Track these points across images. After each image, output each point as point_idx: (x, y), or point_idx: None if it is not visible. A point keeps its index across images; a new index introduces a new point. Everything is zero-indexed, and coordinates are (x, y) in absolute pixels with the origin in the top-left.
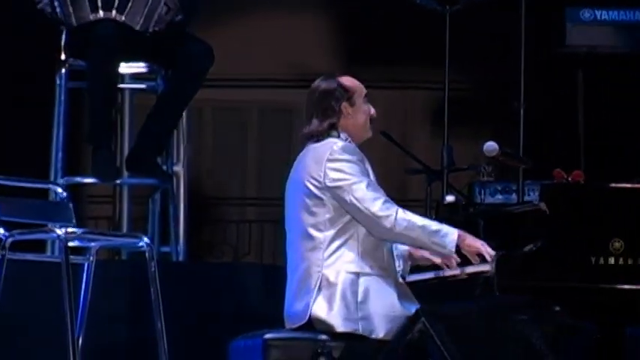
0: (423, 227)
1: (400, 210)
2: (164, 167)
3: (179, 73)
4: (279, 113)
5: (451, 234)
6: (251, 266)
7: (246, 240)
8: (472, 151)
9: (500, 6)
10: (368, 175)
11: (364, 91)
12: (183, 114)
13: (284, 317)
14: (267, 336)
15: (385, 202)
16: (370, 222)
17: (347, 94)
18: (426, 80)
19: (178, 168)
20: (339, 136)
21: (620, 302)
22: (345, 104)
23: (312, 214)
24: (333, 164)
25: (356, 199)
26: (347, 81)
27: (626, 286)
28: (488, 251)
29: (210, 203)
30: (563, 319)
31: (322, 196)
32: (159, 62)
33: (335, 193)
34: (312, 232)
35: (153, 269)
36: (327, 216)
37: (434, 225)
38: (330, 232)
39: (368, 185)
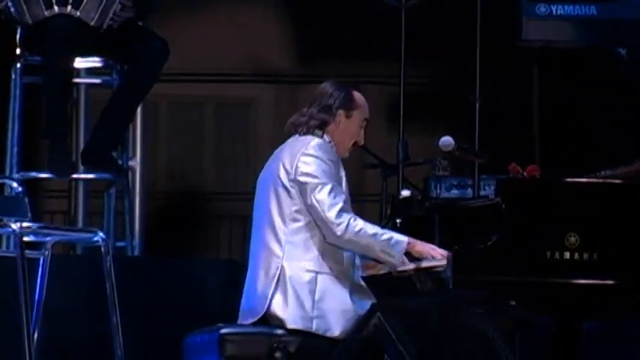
0: (372, 236)
1: (353, 218)
2: (119, 162)
3: (135, 68)
4: (236, 108)
5: (400, 243)
6: (207, 261)
7: (202, 235)
8: (428, 146)
9: (456, 0)
10: (337, 180)
11: (367, 115)
12: (139, 109)
13: (240, 310)
14: (223, 331)
15: (342, 210)
16: (323, 225)
17: (349, 104)
18: (382, 75)
19: (134, 163)
20: (322, 137)
21: (576, 297)
22: (342, 111)
23: (281, 204)
24: (306, 158)
25: (316, 200)
26: (357, 95)
27: (582, 281)
28: (440, 253)
29: (166, 198)
30: (519, 314)
31: (291, 188)
32: (115, 57)
33: (301, 188)
34: (278, 222)
35: (108, 264)
36: (294, 208)
37: (385, 235)
38: (295, 226)
39: (331, 190)
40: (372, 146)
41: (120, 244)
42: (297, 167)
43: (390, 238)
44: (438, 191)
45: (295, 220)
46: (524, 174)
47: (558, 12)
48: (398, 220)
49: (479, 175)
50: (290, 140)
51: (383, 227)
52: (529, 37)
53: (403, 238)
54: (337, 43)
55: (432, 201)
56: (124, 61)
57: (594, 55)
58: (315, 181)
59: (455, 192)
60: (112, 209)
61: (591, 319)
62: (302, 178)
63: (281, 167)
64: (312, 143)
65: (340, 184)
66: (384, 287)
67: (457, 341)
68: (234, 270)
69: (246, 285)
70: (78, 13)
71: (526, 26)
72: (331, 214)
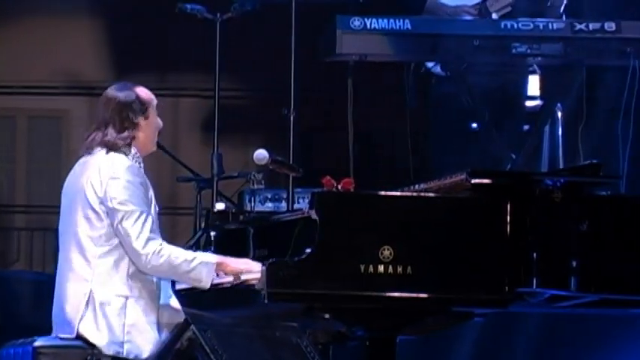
0: (180, 264)
1: (159, 248)
2: None
3: None
4: (49, 120)
5: (208, 267)
6: (20, 273)
7: (14, 247)
8: (243, 159)
9: (271, 14)
10: (147, 204)
11: (155, 102)
12: None
13: (53, 322)
14: (37, 343)
15: (149, 239)
16: (130, 253)
17: (143, 107)
18: (196, 87)
19: None
20: (130, 152)
21: (390, 310)
22: (141, 118)
23: (90, 226)
24: (115, 182)
25: (123, 227)
26: (143, 93)
27: (396, 294)
28: (250, 269)
29: None
30: (334, 327)
31: (101, 211)
32: None
33: (110, 213)
34: (86, 243)
35: None
36: (103, 231)
37: (194, 261)
38: (103, 249)
39: (140, 217)
40: (186, 159)
41: None
42: (106, 192)
43: (198, 264)
44: (253, 204)
45: (104, 243)
46: (339, 187)
47: (373, 26)
48: (212, 234)
49: (293, 188)
50: (97, 156)
51: (195, 244)
52: (344, 50)
53: (211, 260)
54: (151, 55)
55: (247, 214)
56: None
57: (408, 70)
58: (125, 208)
59: (269, 205)
60: None
61: (405, 333)
62: (111, 204)
63: (89, 188)
64: (120, 166)
65: (149, 206)
66: (199, 300)
67: (272, 354)
68: (47, 283)
69: (55, 299)
70: None
71: (341, 40)
72: (138, 244)
